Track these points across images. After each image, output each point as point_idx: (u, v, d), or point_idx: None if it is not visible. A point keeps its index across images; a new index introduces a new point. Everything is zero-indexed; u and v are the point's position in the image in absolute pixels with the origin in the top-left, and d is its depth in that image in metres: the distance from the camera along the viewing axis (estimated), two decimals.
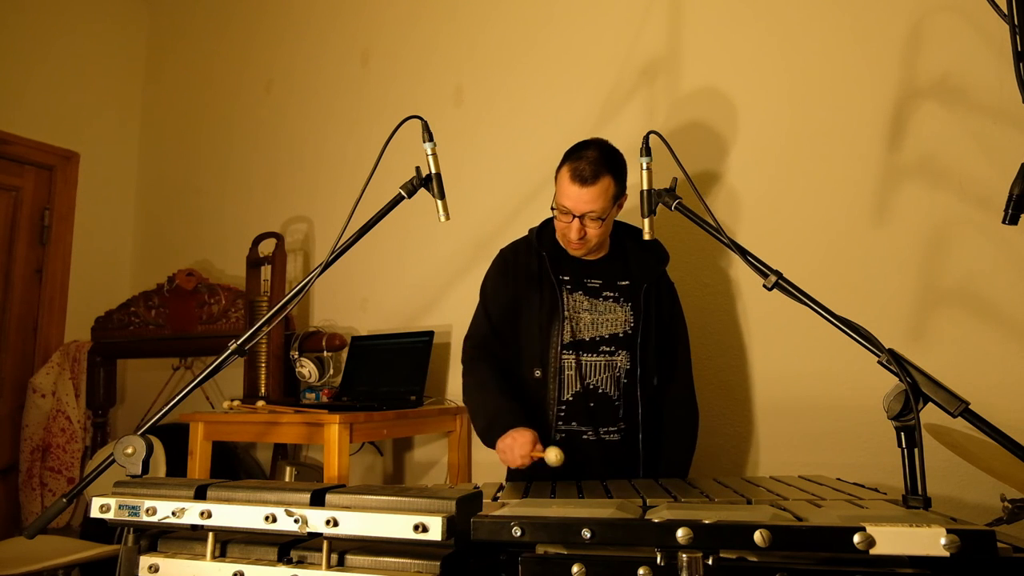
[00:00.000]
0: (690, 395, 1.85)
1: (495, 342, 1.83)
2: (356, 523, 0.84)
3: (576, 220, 1.66)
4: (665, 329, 1.82)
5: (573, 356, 1.73)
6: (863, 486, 1.27)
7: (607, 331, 1.76)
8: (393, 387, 2.53)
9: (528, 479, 1.69)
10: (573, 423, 1.73)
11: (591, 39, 2.53)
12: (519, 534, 0.78)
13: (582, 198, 1.63)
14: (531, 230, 1.88)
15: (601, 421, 1.73)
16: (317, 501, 0.88)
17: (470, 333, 1.88)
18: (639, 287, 1.78)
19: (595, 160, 1.63)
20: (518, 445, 1.59)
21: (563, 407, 1.72)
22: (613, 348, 1.75)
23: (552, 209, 1.73)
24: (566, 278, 1.78)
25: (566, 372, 1.73)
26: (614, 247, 1.84)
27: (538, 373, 1.73)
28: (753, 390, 2.12)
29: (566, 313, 1.74)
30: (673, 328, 1.85)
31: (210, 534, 0.91)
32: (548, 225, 1.86)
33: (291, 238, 3.18)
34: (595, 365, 1.74)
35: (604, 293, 1.78)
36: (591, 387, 1.73)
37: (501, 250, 1.92)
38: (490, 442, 1.68)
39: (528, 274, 1.80)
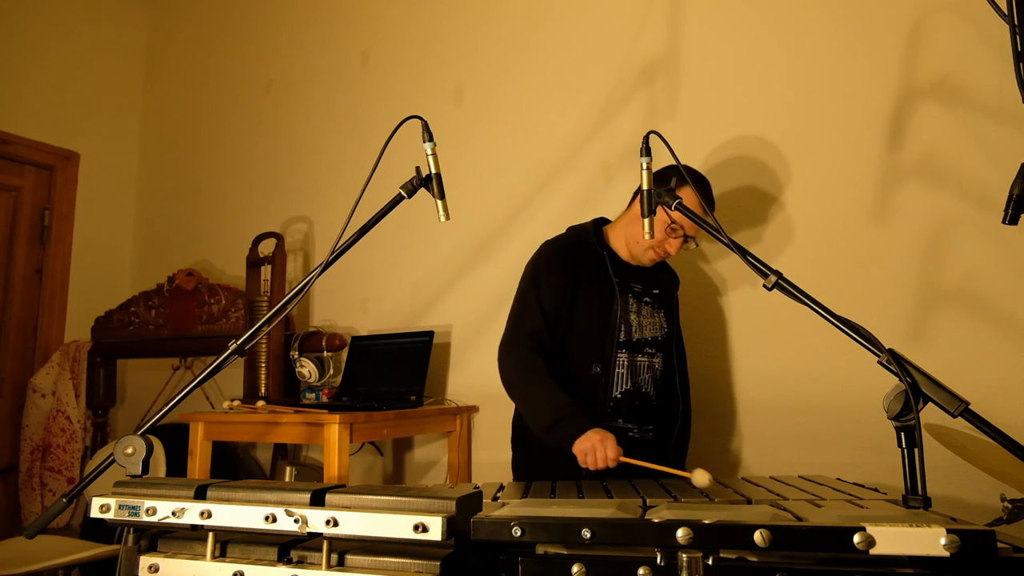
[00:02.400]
0: (689, 401, 1.98)
1: (547, 335, 1.77)
2: (356, 523, 0.84)
3: (681, 238, 1.78)
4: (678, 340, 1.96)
5: (626, 355, 1.80)
6: (863, 486, 1.27)
7: (649, 334, 1.85)
8: (393, 387, 2.53)
9: (553, 478, 1.54)
10: (619, 420, 1.77)
11: (591, 39, 2.53)
12: (519, 534, 0.78)
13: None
14: (575, 228, 1.93)
15: (643, 419, 1.81)
16: (317, 501, 0.88)
17: (520, 323, 1.79)
18: (668, 296, 1.93)
19: (711, 191, 1.78)
20: (609, 447, 1.52)
21: (611, 404, 1.77)
22: (653, 350, 1.85)
23: (659, 215, 1.63)
24: (617, 280, 1.84)
25: (617, 370, 1.79)
26: None
27: (597, 369, 1.77)
28: (753, 390, 2.12)
29: (621, 313, 1.80)
30: (680, 339, 1.98)
31: (210, 534, 0.91)
32: (600, 227, 1.93)
33: (291, 238, 3.18)
34: (641, 365, 1.82)
35: (644, 298, 1.88)
36: (636, 385, 1.81)
37: (550, 242, 1.88)
38: (557, 438, 1.61)
39: (587, 270, 1.82)
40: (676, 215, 1.70)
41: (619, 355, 1.78)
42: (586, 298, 1.79)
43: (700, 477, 1.34)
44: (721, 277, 2.22)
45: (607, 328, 1.77)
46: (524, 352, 1.75)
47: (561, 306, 1.78)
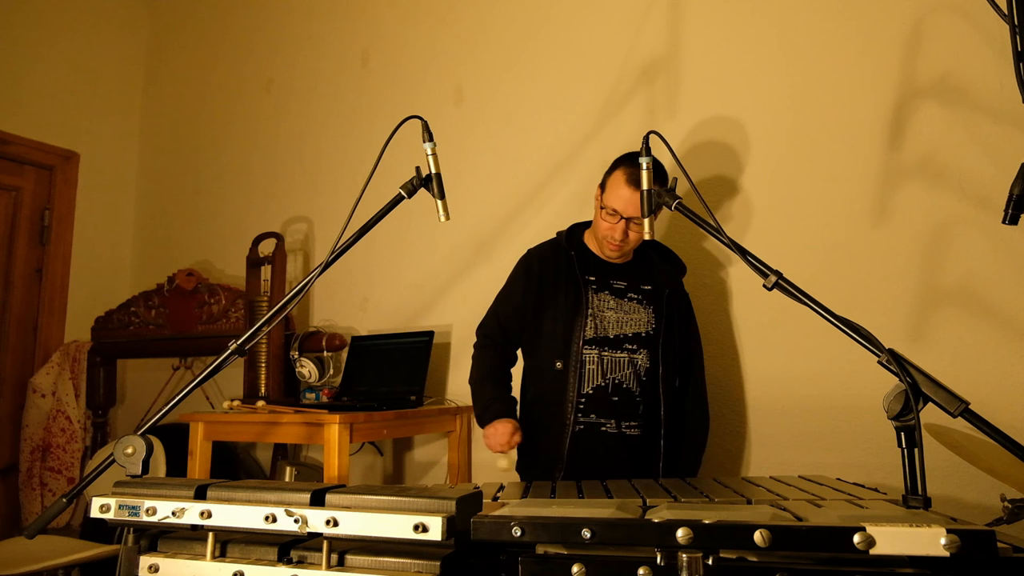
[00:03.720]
0: (705, 401, 1.95)
1: (501, 337, 1.96)
2: (356, 523, 0.84)
3: (623, 222, 1.75)
4: (684, 336, 1.93)
5: (595, 351, 1.81)
6: (863, 486, 1.27)
7: (631, 330, 1.85)
8: (393, 387, 2.53)
9: (546, 477, 1.73)
10: (592, 415, 1.79)
11: (591, 39, 2.53)
12: (519, 534, 0.78)
13: (633, 202, 1.68)
14: (559, 233, 1.98)
15: (622, 415, 1.81)
16: (317, 501, 0.88)
17: (482, 323, 2.01)
18: (661, 292, 1.89)
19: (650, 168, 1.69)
20: (498, 434, 1.75)
21: (583, 399, 1.79)
22: (635, 346, 1.84)
23: (604, 211, 1.79)
24: (592, 278, 1.86)
25: (587, 366, 1.80)
26: (637, 255, 1.95)
27: (559, 365, 1.81)
28: (753, 390, 2.12)
29: (590, 310, 1.82)
30: (689, 336, 1.96)
31: (210, 534, 0.91)
32: (576, 229, 1.97)
33: (291, 238, 3.18)
34: (619, 361, 1.82)
35: (629, 294, 1.88)
36: (615, 382, 1.81)
37: (528, 250, 2.00)
38: (483, 424, 1.85)
39: (555, 273, 1.88)
40: (610, 199, 1.77)
41: (587, 351, 1.80)
42: (552, 298, 1.86)
43: (503, 462, 1.76)
44: (720, 277, 2.22)
45: (571, 325, 1.81)
46: (479, 350, 1.99)
47: (516, 314, 1.93)
